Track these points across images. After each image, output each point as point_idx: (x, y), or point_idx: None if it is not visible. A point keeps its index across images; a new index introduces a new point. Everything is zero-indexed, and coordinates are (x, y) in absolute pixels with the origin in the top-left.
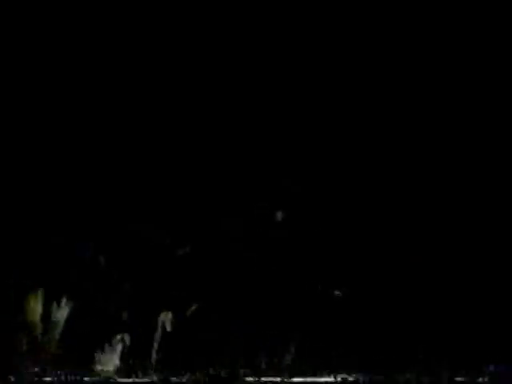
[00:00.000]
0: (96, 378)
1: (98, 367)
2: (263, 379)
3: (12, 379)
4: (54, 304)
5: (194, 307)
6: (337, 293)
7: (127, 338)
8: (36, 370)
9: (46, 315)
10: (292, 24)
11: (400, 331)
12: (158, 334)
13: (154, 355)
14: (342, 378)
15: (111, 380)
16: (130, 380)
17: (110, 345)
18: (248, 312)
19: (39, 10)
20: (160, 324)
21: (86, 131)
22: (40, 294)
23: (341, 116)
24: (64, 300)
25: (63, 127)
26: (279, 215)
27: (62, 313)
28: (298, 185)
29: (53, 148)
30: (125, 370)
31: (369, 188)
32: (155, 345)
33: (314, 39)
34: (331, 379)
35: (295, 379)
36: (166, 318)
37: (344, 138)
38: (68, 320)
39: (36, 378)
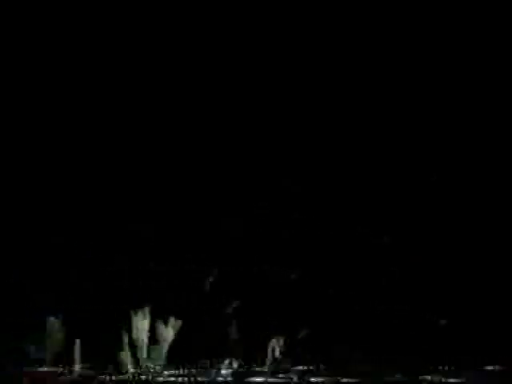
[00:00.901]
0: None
1: None
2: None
3: None
4: (161, 324)
5: (303, 332)
6: (438, 320)
7: (235, 362)
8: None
9: (153, 335)
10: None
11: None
12: (269, 360)
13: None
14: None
15: None
16: None
17: (218, 369)
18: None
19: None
20: (270, 349)
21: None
22: (147, 313)
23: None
24: (171, 320)
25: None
26: (386, 239)
27: (168, 333)
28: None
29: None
30: None
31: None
32: (267, 372)
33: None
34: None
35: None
36: (276, 344)
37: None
38: (174, 340)
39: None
